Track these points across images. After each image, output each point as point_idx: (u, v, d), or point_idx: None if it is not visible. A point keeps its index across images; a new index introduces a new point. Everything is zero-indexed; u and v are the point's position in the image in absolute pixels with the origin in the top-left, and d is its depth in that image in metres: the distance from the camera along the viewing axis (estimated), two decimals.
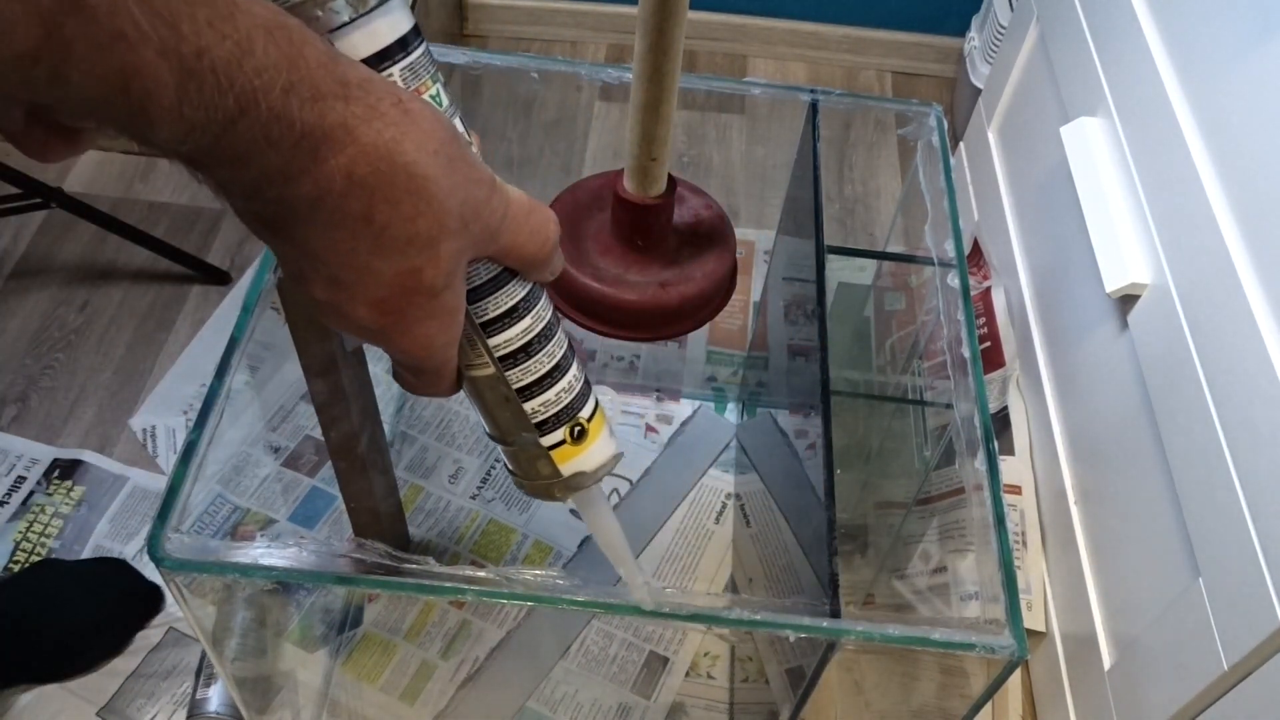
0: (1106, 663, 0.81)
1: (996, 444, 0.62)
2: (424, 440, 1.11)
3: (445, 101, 0.39)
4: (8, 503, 1.03)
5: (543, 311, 0.43)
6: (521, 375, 0.43)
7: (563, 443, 0.45)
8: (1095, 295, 0.88)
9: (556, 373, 0.44)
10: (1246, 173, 0.69)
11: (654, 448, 1.12)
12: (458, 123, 0.40)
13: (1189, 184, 0.75)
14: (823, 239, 0.74)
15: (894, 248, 0.96)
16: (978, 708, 0.60)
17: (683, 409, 1.15)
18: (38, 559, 0.99)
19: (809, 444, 0.70)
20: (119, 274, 1.24)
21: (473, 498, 1.06)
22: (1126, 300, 0.82)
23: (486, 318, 0.41)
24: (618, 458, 0.48)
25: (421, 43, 0.38)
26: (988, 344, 1.10)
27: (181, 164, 0.32)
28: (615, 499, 1.07)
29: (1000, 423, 1.04)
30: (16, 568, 0.98)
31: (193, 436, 0.58)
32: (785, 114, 1.49)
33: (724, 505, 1.08)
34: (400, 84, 0.37)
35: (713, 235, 0.71)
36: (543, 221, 0.41)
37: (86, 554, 1.00)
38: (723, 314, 0.75)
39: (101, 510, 1.04)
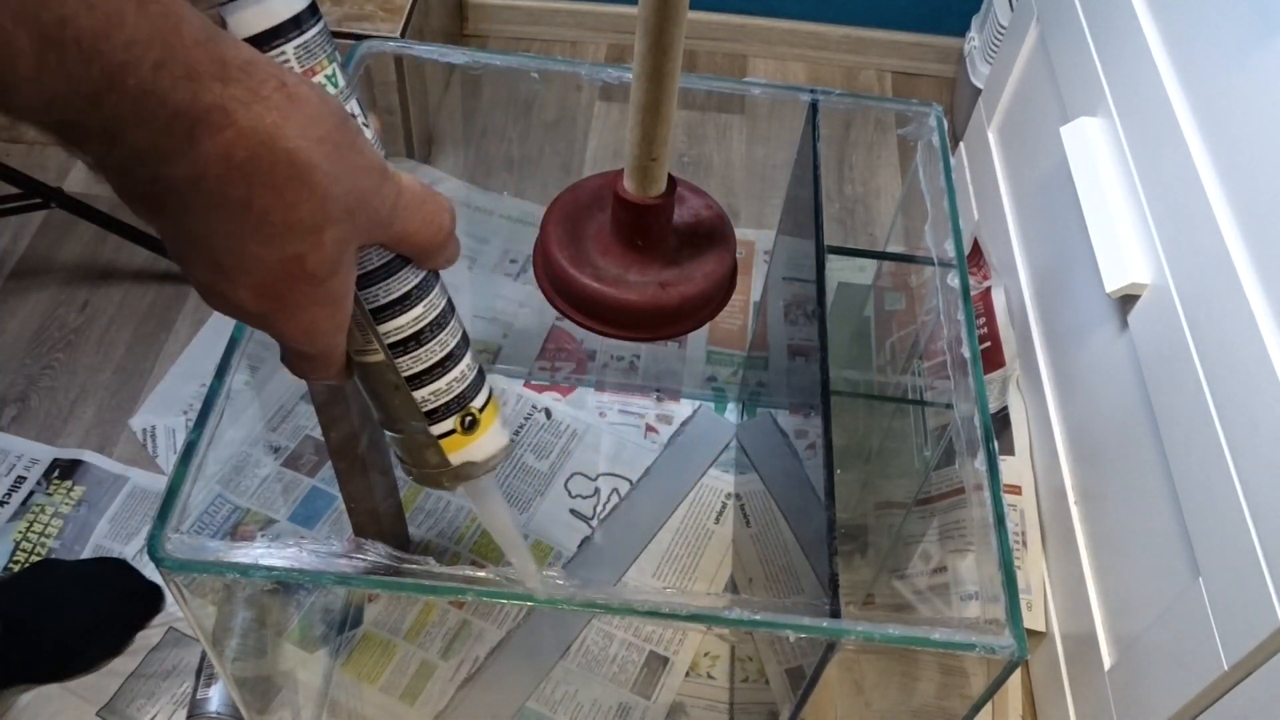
0: (1106, 663, 0.81)
1: (996, 444, 0.62)
2: None
3: (341, 82, 0.38)
4: (8, 503, 1.03)
5: (436, 300, 0.43)
6: (412, 363, 0.43)
7: (453, 432, 0.45)
8: (1095, 295, 0.88)
9: (449, 362, 0.44)
10: (1246, 173, 0.69)
11: (654, 448, 1.12)
12: (354, 106, 0.39)
13: (1189, 184, 0.75)
14: (823, 239, 0.74)
15: (894, 248, 0.96)
16: (978, 708, 0.60)
17: (683, 409, 1.15)
18: (38, 559, 0.99)
19: (809, 444, 0.70)
20: (119, 274, 1.24)
21: None
22: (1126, 300, 0.82)
23: (377, 304, 0.41)
24: (508, 449, 0.48)
25: (318, 21, 0.37)
26: (988, 344, 1.10)
27: (53, 137, 0.31)
28: (615, 499, 1.07)
29: (1000, 423, 1.04)
30: (16, 568, 0.98)
31: (193, 436, 0.58)
32: (785, 114, 1.49)
33: (724, 505, 1.08)
34: (294, 63, 0.36)
35: (713, 235, 0.71)
36: (437, 210, 0.41)
37: (86, 554, 1.00)
38: (723, 314, 0.75)
39: (101, 510, 1.04)
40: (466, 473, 0.46)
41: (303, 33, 0.37)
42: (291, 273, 0.36)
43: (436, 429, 0.45)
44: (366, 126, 0.39)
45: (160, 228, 0.35)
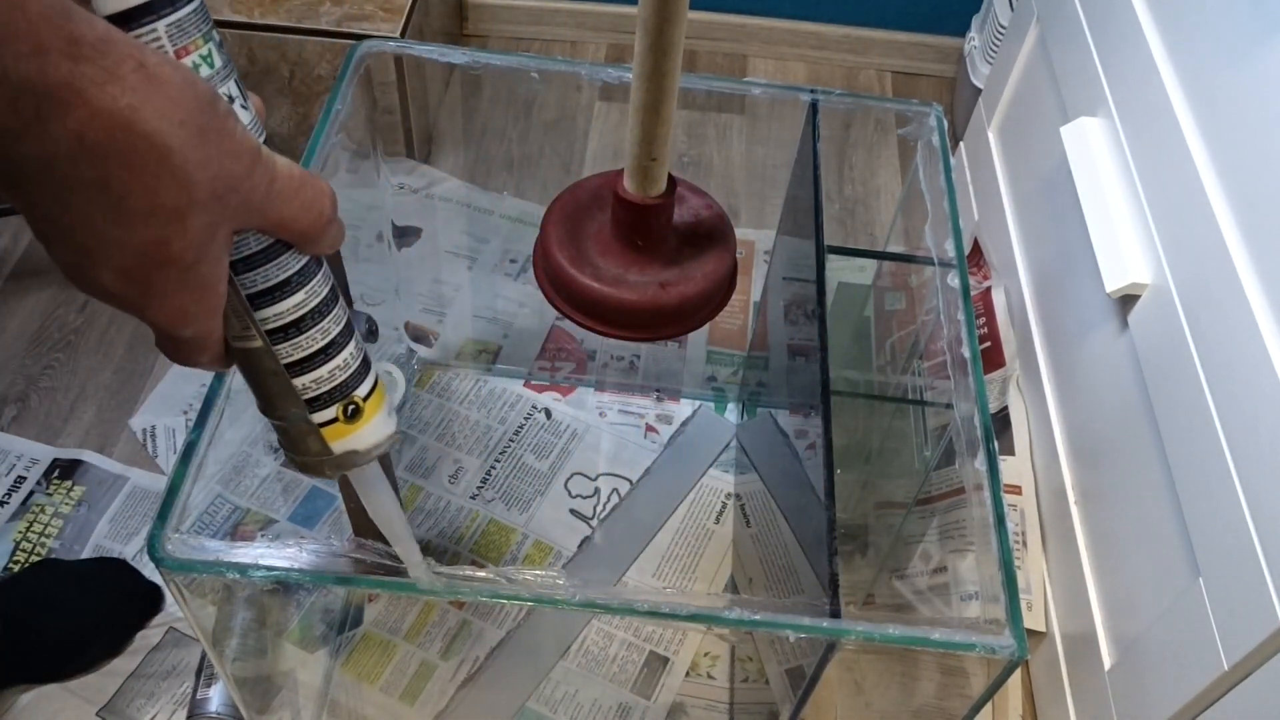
0: (1107, 663, 0.81)
1: (996, 444, 0.62)
2: (424, 440, 1.11)
3: (218, 63, 0.38)
4: (8, 503, 1.03)
5: (318, 288, 0.42)
6: (292, 350, 0.42)
7: (335, 420, 0.45)
8: (1095, 295, 0.88)
9: (330, 350, 0.43)
10: (1246, 173, 0.69)
11: (654, 448, 1.12)
12: (231, 87, 0.38)
13: (1189, 184, 0.75)
14: (823, 239, 0.74)
15: (894, 248, 0.96)
16: (978, 708, 0.60)
17: (683, 409, 1.15)
18: (38, 559, 0.99)
19: (809, 444, 0.70)
20: None
21: (473, 498, 1.06)
22: (1126, 300, 0.82)
23: (255, 290, 0.40)
24: (393, 438, 0.48)
25: None
26: (988, 344, 1.10)
27: None
28: (615, 499, 1.07)
29: (1000, 423, 1.04)
30: (16, 568, 0.98)
31: (193, 436, 0.58)
32: (785, 114, 1.49)
33: (724, 505, 1.08)
34: (165, 41, 0.36)
35: (713, 235, 0.71)
36: (315, 195, 0.40)
37: (86, 554, 1.00)
38: (723, 314, 0.75)
39: (101, 510, 1.04)
40: (349, 461, 0.46)
41: (176, 9, 0.36)
42: (155, 257, 0.35)
43: (318, 417, 0.44)
44: (246, 109, 0.38)
45: (19, 206, 0.34)
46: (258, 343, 0.42)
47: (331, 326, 0.43)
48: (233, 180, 0.36)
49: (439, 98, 1.47)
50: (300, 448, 0.45)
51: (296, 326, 0.42)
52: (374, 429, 0.46)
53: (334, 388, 0.44)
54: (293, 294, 0.41)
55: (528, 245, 1.27)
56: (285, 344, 0.42)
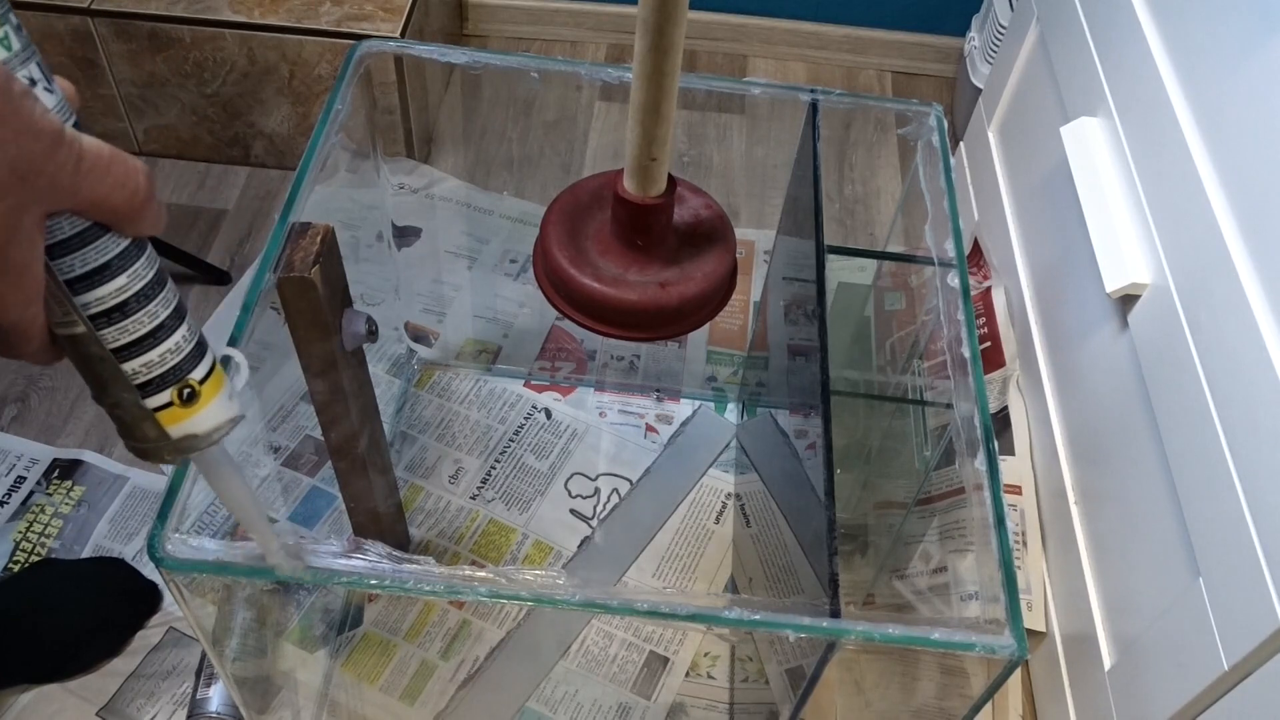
0: (1106, 663, 0.81)
1: (996, 444, 0.62)
2: (424, 440, 1.11)
3: (16, 46, 0.37)
4: (7, 503, 1.03)
5: (142, 271, 0.42)
6: (118, 335, 0.42)
7: (169, 405, 0.44)
8: (1095, 295, 0.89)
9: (160, 333, 0.43)
10: (1246, 173, 0.69)
11: (654, 448, 1.12)
12: (32, 70, 0.38)
13: (1189, 184, 0.75)
14: (823, 239, 0.74)
15: (894, 248, 0.96)
16: (978, 708, 0.60)
17: (683, 409, 1.15)
18: (38, 559, 0.99)
19: (809, 444, 0.70)
20: None
21: (473, 498, 1.06)
22: (1126, 300, 0.82)
23: (73, 275, 0.40)
24: (235, 420, 0.47)
25: None
26: (988, 344, 1.10)
27: None
28: (615, 499, 1.07)
29: (1000, 423, 1.04)
30: (16, 568, 0.98)
31: None
32: (785, 114, 1.49)
33: (724, 505, 1.08)
34: None
35: (713, 235, 0.71)
36: (127, 173, 0.39)
37: (86, 554, 1.00)
38: (723, 314, 0.75)
39: (101, 510, 1.04)
40: (189, 445, 0.46)
41: None
42: None
43: (151, 402, 0.44)
44: (51, 92, 0.38)
45: None
46: (80, 328, 0.41)
47: (160, 310, 0.43)
48: (34, 161, 0.35)
49: (439, 98, 1.47)
50: (136, 434, 0.45)
51: (121, 310, 0.41)
52: (213, 412, 0.46)
53: (166, 371, 0.44)
54: (114, 278, 0.41)
55: (528, 245, 1.28)
56: (110, 329, 0.42)
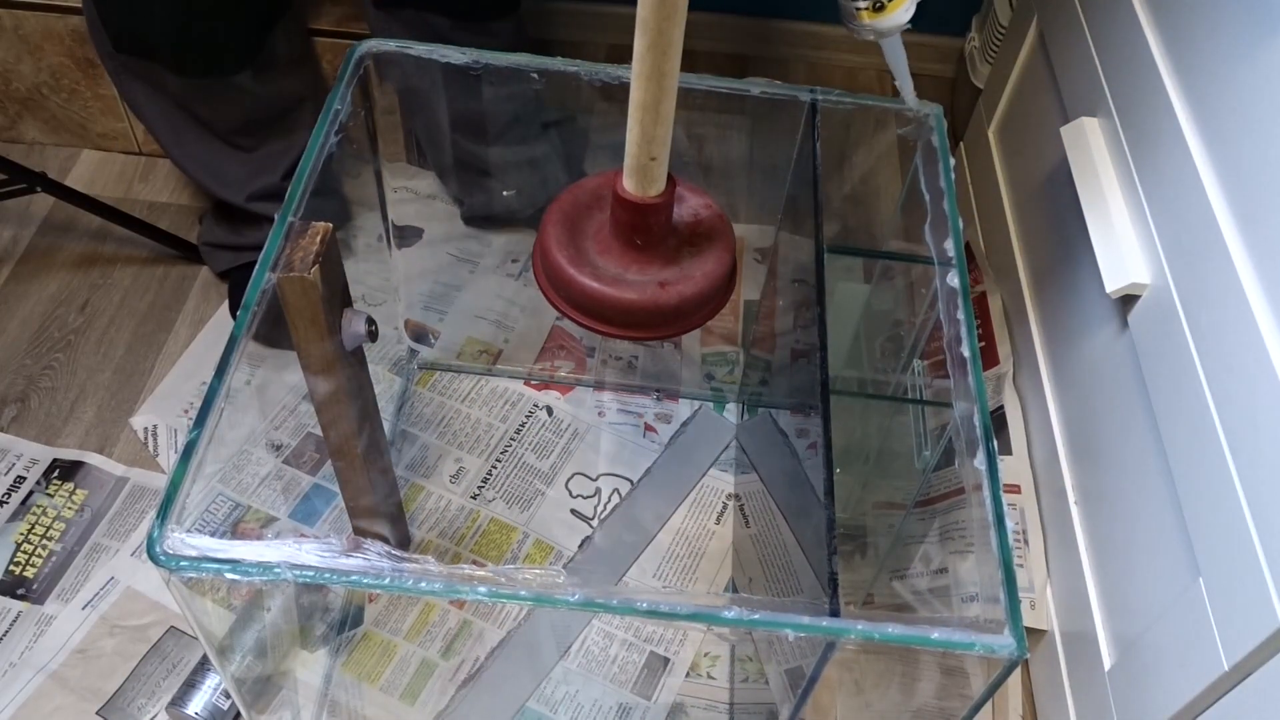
0: (1107, 663, 0.81)
1: (996, 443, 0.62)
2: (424, 439, 1.11)
3: None
4: (7, 502, 1.03)
5: None
6: None
7: (866, 8, 0.71)
8: (1095, 295, 0.89)
9: None
10: (1246, 173, 0.69)
11: (654, 448, 1.12)
12: None
13: (1189, 184, 0.75)
14: (823, 239, 0.74)
15: (894, 248, 0.96)
16: (978, 708, 0.60)
17: (683, 409, 1.15)
18: (38, 559, 0.99)
19: (809, 444, 0.70)
20: (119, 274, 1.24)
21: (473, 497, 1.06)
22: (1126, 300, 0.82)
23: None
24: (902, 26, 0.72)
25: None
26: (982, 343, 1.10)
27: None
28: (615, 499, 1.07)
29: (997, 422, 1.05)
30: (17, 569, 0.98)
31: (193, 435, 0.58)
32: (785, 114, 1.49)
33: (724, 505, 1.08)
34: None
35: (712, 235, 0.71)
36: None
37: (86, 554, 1.00)
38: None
39: (102, 510, 1.04)
40: (884, 31, 0.72)
41: None
42: None
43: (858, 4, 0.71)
44: None
45: None
46: None
47: None
48: None
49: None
50: (853, 17, 0.71)
51: None
52: (898, 14, 0.71)
53: None
54: None
55: (528, 245, 1.27)
56: None
